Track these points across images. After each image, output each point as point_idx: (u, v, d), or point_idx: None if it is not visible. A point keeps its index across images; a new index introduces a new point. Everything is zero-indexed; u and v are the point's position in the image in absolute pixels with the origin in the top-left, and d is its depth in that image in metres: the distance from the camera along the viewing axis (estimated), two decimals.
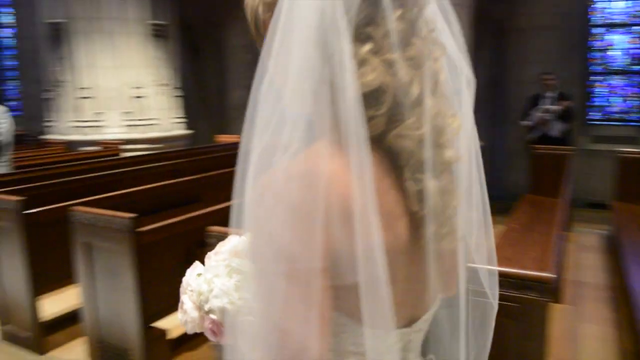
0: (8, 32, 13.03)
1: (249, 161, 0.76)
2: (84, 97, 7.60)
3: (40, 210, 3.56)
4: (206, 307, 0.95)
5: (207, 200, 4.46)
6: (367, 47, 0.74)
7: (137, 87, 7.71)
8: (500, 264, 1.13)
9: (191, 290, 0.99)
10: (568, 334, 3.49)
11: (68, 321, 3.62)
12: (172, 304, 3.25)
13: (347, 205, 0.69)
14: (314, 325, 0.69)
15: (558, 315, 3.40)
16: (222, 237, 2.38)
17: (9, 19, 12.90)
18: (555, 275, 2.07)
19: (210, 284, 0.95)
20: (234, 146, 7.35)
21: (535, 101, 7.10)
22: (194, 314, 0.97)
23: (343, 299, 0.73)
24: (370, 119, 0.73)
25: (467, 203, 0.87)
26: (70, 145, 7.59)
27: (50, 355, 3.52)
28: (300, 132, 0.71)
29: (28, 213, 3.46)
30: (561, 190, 4.53)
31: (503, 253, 2.51)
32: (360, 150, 0.69)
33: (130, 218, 2.93)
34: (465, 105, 0.86)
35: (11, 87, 12.83)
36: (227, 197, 3.63)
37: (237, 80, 10.44)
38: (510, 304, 1.90)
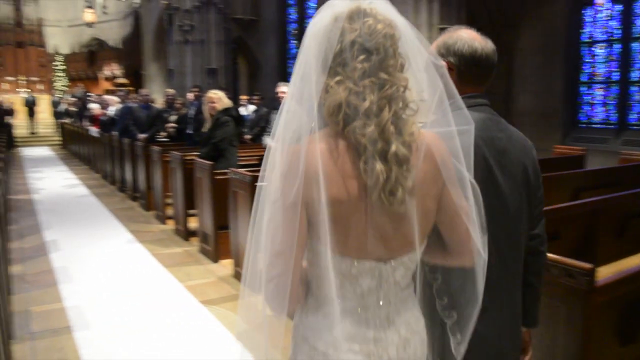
0: None
1: (277, 141, 1.22)
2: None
3: None
4: None
5: None
6: (335, 79, 1.17)
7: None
8: None
9: None
10: None
11: None
12: None
13: (314, 169, 1.14)
14: (288, 239, 1.16)
15: None
16: None
17: None
18: None
19: None
20: None
21: None
22: None
23: (317, 232, 1.17)
24: (333, 122, 1.18)
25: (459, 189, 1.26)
26: None
27: None
28: (302, 128, 1.20)
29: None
30: None
31: None
32: (323, 140, 1.17)
33: None
34: (439, 115, 1.26)
35: None
36: None
37: (525, 85, 9.88)
38: None
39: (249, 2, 16.30)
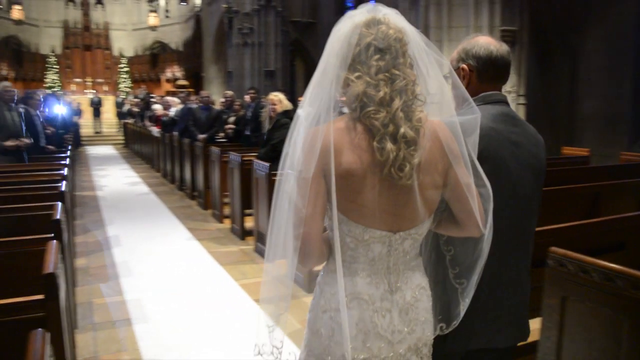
0: None
1: (301, 118, 1.46)
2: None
3: None
4: None
5: (545, 215, 4.14)
6: (355, 74, 1.39)
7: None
8: None
9: None
10: None
11: None
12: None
13: (327, 143, 1.35)
14: (313, 200, 1.36)
15: None
16: (566, 261, 2.16)
17: None
18: None
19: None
20: (582, 160, 6.74)
21: None
22: None
23: (332, 199, 1.37)
24: (352, 109, 1.39)
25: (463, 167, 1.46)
26: None
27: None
28: (319, 116, 1.40)
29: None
30: None
31: None
32: (338, 122, 1.40)
33: None
34: (445, 105, 1.52)
35: None
36: (570, 216, 3.31)
37: (590, 89, 9.50)
38: None
39: (307, 4, 16.43)
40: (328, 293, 1.47)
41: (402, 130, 1.36)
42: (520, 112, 8.06)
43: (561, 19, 9.79)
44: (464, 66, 1.80)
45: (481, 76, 1.80)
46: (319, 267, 1.56)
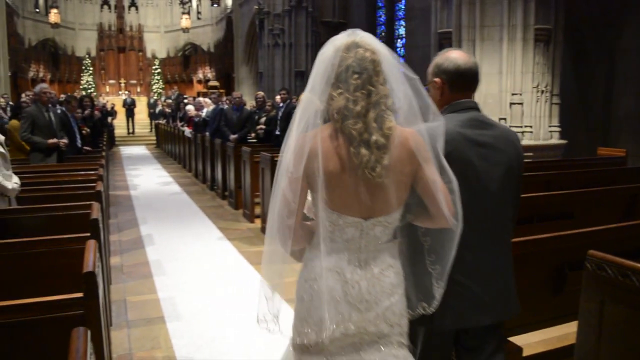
0: (401, 43, 14.57)
1: (293, 126, 1.73)
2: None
3: None
4: None
5: (581, 217, 4.06)
6: (337, 91, 1.67)
7: (515, 94, 7.59)
8: None
9: None
10: None
11: None
12: (531, 321, 3.05)
13: (314, 149, 1.64)
14: (297, 199, 1.68)
15: None
16: (605, 264, 2.11)
17: (402, 31, 14.41)
18: None
19: None
20: (618, 161, 6.58)
21: None
22: None
23: (318, 193, 1.67)
24: (334, 120, 1.67)
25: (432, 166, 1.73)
26: None
27: None
28: (307, 125, 1.70)
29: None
30: None
31: None
32: (324, 130, 1.68)
33: None
34: (411, 114, 1.73)
35: None
36: (606, 219, 3.24)
37: (628, 87, 9.26)
38: None
39: (338, 5, 16.41)
40: (310, 266, 1.79)
41: (374, 137, 1.64)
42: (555, 112, 7.93)
43: (597, 16, 9.56)
44: (437, 80, 2.08)
45: (452, 87, 2.06)
46: (299, 247, 1.87)
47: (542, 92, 7.70)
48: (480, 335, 2.15)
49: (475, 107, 2.08)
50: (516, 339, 3.05)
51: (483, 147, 1.98)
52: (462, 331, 2.13)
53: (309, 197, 1.79)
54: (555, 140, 7.96)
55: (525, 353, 3.08)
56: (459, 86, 2.06)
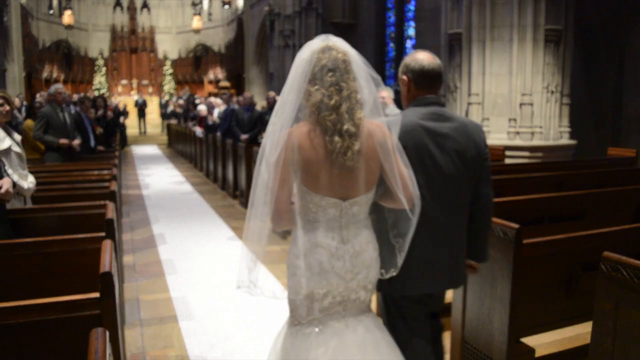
0: (410, 43, 14.54)
1: (271, 126, 2.01)
2: (474, 103, 7.86)
3: None
4: None
5: (591, 218, 4.06)
6: (314, 87, 1.93)
7: (525, 94, 7.57)
8: None
9: None
10: None
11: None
12: (543, 322, 3.06)
13: (292, 143, 1.91)
14: (281, 182, 1.94)
15: None
16: (620, 266, 2.12)
17: (411, 32, 14.40)
18: None
19: None
20: (628, 162, 6.53)
21: None
22: None
23: (302, 178, 1.95)
24: (313, 113, 1.93)
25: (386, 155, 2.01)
26: None
27: None
28: (288, 118, 1.97)
29: None
30: None
31: None
32: (306, 125, 1.95)
33: (516, 228, 2.86)
34: (375, 108, 2.03)
35: None
36: (617, 219, 3.24)
37: (638, 88, 9.18)
38: None
39: (347, 6, 16.42)
40: (299, 244, 2.02)
41: (345, 126, 1.91)
42: (565, 113, 7.90)
43: (607, 16, 9.50)
44: (404, 77, 2.36)
45: (417, 85, 2.34)
46: (285, 228, 2.09)
47: (552, 92, 7.67)
48: (434, 305, 2.49)
49: (437, 103, 2.34)
50: (528, 340, 3.07)
51: (440, 137, 2.25)
52: (424, 299, 2.41)
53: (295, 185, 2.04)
54: (566, 140, 7.93)
55: (537, 354, 3.10)
56: (423, 84, 2.33)
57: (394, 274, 2.16)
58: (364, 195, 2.00)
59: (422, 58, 2.33)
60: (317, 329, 2.05)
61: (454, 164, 2.26)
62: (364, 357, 2.02)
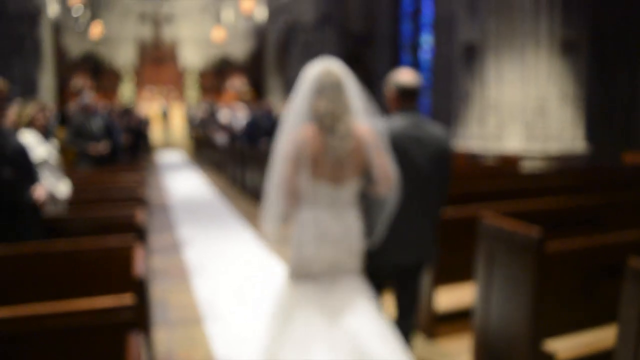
0: (425, 52, 14.56)
1: (284, 129, 2.54)
2: (490, 110, 7.87)
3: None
4: None
5: (609, 224, 4.05)
6: (318, 98, 2.48)
7: (540, 101, 7.56)
8: None
9: None
10: None
11: (460, 315, 3.78)
12: (566, 326, 3.07)
13: (300, 140, 2.44)
14: (287, 172, 2.47)
15: None
16: None
17: (429, 41, 14.42)
18: None
19: None
20: None
21: None
22: None
23: (306, 167, 2.44)
24: (317, 119, 2.47)
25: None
26: (472, 154, 7.99)
27: (438, 340, 3.80)
28: (297, 122, 2.50)
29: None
30: None
31: None
32: (311, 128, 2.46)
33: (538, 233, 2.89)
34: (361, 116, 2.53)
35: (425, 101, 14.25)
36: (635, 225, 3.23)
37: None
38: None
39: (365, 17, 16.52)
40: (300, 219, 2.52)
41: (340, 128, 2.44)
42: (579, 119, 7.87)
43: (621, 24, 9.44)
44: (392, 88, 2.85)
45: (400, 97, 2.85)
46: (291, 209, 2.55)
47: (567, 99, 7.64)
48: (406, 275, 2.95)
49: (415, 113, 2.86)
50: (549, 343, 3.07)
51: (417, 141, 2.78)
52: (398, 270, 2.91)
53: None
54: (581, 147, 7.90)
55: (558, 357, 3.10)
56: (404, 97, 2.85)
57: (374, 246, 2.66)
58: (353, 180, 2.51)
59: (404, 76, 2.87)
60: (311, 282, 2.54)
61: (427, 164, 2.80)
62: (347, 296, 2.54)
